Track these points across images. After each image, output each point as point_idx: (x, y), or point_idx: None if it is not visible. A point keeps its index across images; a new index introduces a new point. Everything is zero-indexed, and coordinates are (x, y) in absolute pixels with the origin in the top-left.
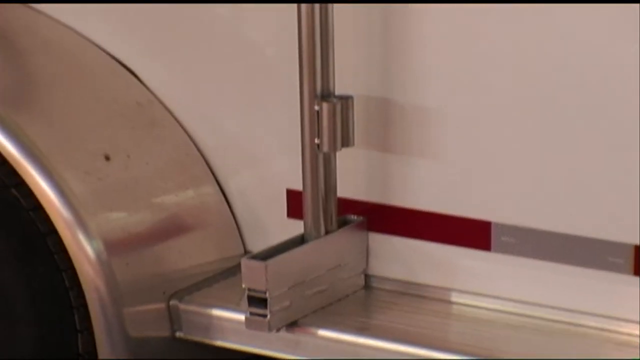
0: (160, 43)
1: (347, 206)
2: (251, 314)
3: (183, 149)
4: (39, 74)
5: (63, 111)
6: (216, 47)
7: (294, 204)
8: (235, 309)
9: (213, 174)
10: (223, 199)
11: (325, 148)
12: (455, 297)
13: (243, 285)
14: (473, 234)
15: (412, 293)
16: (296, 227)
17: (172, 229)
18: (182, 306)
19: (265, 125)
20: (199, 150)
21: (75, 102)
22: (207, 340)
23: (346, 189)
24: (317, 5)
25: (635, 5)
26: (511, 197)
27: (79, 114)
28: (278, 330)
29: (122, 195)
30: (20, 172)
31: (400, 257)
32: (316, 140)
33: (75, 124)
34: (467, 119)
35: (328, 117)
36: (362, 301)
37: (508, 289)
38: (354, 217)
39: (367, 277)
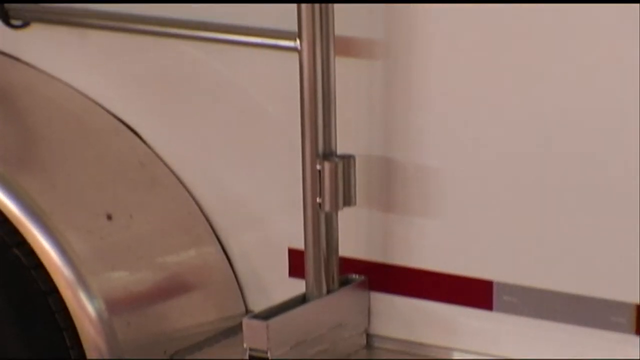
0: (163, 102)
1: (349, 265)
2: None
3: (185, 208)
4: (41, 133)
5: (65, 170)
6: (218, 106)
7: (296, 263)
8: None
9: (215, 233)
10: (225, 257)
11: (327, 207)
12: (457, 357)
13: (244, 345)
14: (475, 293)
15: (414, 352)
16: (298, 286)
17: (173, 288)
18: None
19: (267, 184)
20: (201, 209)
21: (77, 161)
22: None
23: (347, 248)
24: (319, 64)
25: None
26: (513, 256)
27: (82, 173)
28: None
29: (123, 255)
30: (22, 231)
31: (402, 317)
32: (318, 200)
33: (77, 183)
34: (468, 178)
35: (330, 176)
36: None
37: (510, 348)
38: (355, 276)
39: (368, 336)
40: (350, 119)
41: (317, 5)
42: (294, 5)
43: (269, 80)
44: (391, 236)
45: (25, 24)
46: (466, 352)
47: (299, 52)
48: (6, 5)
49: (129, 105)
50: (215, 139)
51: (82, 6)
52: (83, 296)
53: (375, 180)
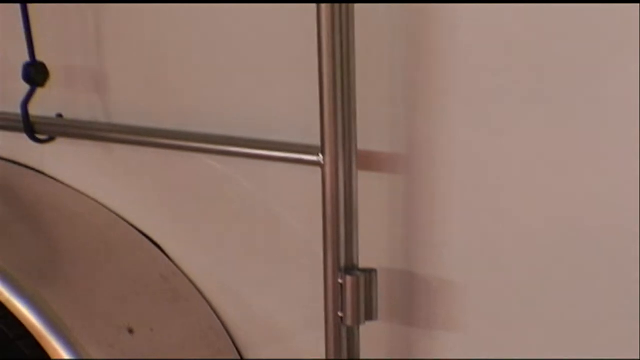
0: (186, 216)
1: None
2: None
3: (207, 322)
4: (65, 246)
5: (88, 284)
6: (241, 219)
7: None
8: None
9: (236, 347)
10: None
11: (348, 322)
12: None
13: None
14: None
15: None
16: None
17: None
18: None
19: (289, 299)
20: (222, 323)
21: (100, 274)
22: None
23: None
24: (341, 177)
25: None
26: None
27: (104, 287)
28: None
29: None
30: (44, 344)
31: None
32: (339, 314)
33: (99, 296)
34: (491, 292)
35: (352, 290)
36: None
37: None
38: None
39: None
40: (372, 232)
41: (340, 121)
42: (317, 120)
43: (291, 193)
44: (414, 351)
45: (50, 139)
46: None
47: (322, 166)
48: (32, 119)
49: (152, 218)
50: (238, 252)
51: (107, 121)
52: None
53: (398, 294)
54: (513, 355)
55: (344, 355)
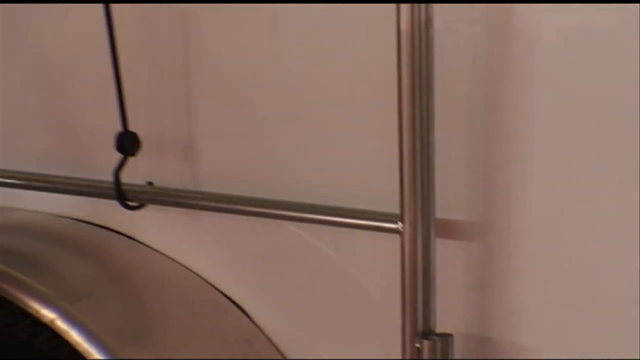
0: (269, 280)
1: None
2: None
3: None
4: (152, 308)
5: (174, 346)
6: (321, 285)
7: None
8: None
9: None
10: None
11: None
12: None
13: None
14: None
15: None
16: None
17: None
18: None
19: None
20: None
21: (184, 336)
22: None
23: None
24: (419, 245)
25: None
26: None
27: (190, 349)
28: None
29: None
30: None
31: None
32: None
33: (183, 357)
34: (565, 357)
35: (429, 354)
36: None
37: None
38: None
39: None
40: (448, 297)
41: (419, 190)
42: (397, 189)
43: (371, 259)
44: None
45: (140, 205)
46: None
47: (401, 233)
48: (123, 186)
49: (236, 282)
50: (318, 316)
51: (195, 188)
52: None
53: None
54: None
55: None
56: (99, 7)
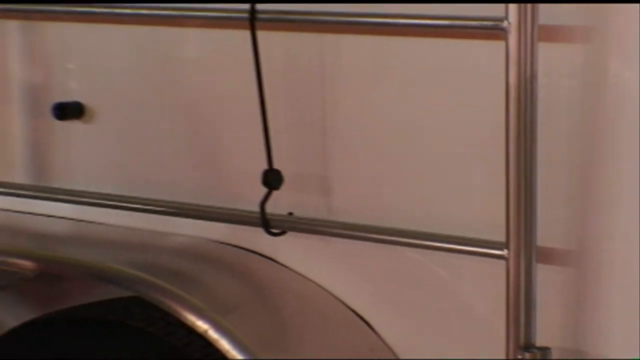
0: (391, 298)
1: None
2: None
3: None
4: (291, 323)
5: (309, 355)
6: (436, 302)
7: None
8: None
9: None
10: None
11: None
12: None
13: None
14: None
15: None
16: None
17: None
18: None
19: None
20: None
21: (319, 348)
22: None
23: None
24: (522, 270)
25: None
26: None
27: (320, 357)
28: None
29: None
30: None
31: None
32: None
33: None
34: None
35: None
36: None
37: None
38: None
39: None
40: (547, 315)
41: (523, 221)
42: (502, 220)
43: (478, 281)
44: None
45: (282, 232)
46: None
47: (507, 259)
48: (268, 216)
49: (362, 300)
50: (432, 330)
51: (329, 218)
52: None
53: None
54: None
55: None
56: (247, 57)
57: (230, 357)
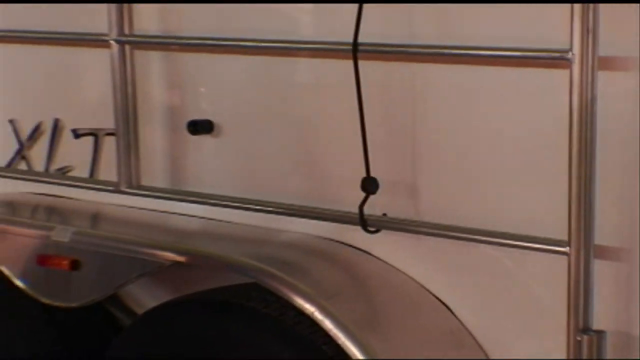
0: (468, 287)
1: None
2: None
3: None
4: (383, 308)
5: (398, 334)
6: (505, 290)
7: None
8: None
9: None
10: None
11: None
12: None
13: None
14: None
15: None
16: None
17: None
18: None
19: (538, 352)
20: None
21: (407, 328)
22: None
23: None
24: (582, 265)
25: None
26: None
27: (410, 336)
28: None
29: None
30: None
31: None
32: None
33: (407, 342)
34: None
35: (587, 346)
36: None
37: None
38: None
39: None
40: (602, 304)
41: (583, 223)
42: (565, 220)
43: (542, 274)
44: None
45: (377, 230)
46: None
47: (569, 255)
48: (365, 217)
49: (445, 288)
50: (503, 313)
51: (418, 219)
52: None
53: (622, 349)
54: None
55: None
56: (349, 81)
57: (332, 335)
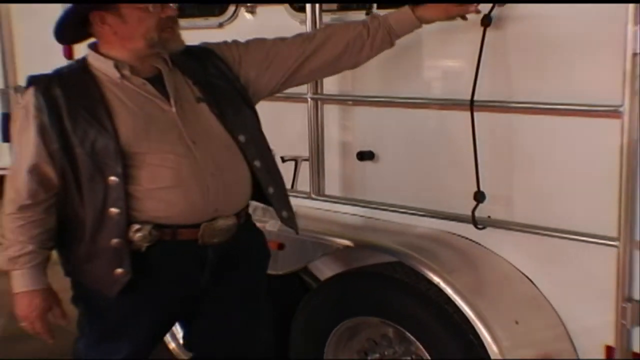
0: (546, 267)
1: None
2: None
3: (554, 323)
4: (489, 281)
5: (496, 299)
6: (570, 273)
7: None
8: None
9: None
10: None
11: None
12: None
13: None
14: None
15: None
16: None
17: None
18: None
19: (595, 312)
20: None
21: (504, 296)
22: None
23: None
24: (627, 258)
25: None
26: None
27: (505, 302)
28: None
29: (522, 344)
30: (477, 329)
31: None
32: (623, 322)
33: (505, 305)
34: None
35: (631, 312)
36: None
37: None
38: None
39: None
40: None
41: (630, 223)
42: (616, 222)
43: (596, 261)
44: None
45: (484, 227)
46: None
47: (617, 248)
48: (476, 218)
49: (530, 269)
50: (570, 287)
51: (514, 220)
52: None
53: None
54: None
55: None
56: (466, 118)
57: (452, 297)
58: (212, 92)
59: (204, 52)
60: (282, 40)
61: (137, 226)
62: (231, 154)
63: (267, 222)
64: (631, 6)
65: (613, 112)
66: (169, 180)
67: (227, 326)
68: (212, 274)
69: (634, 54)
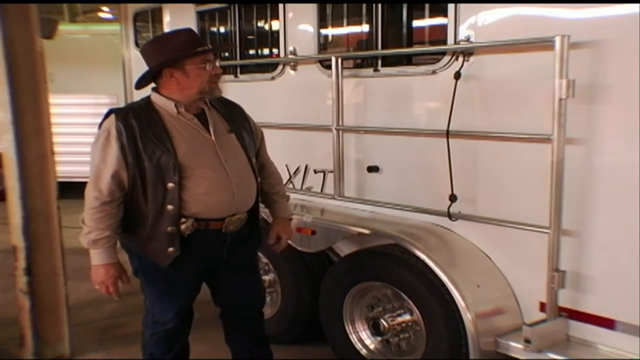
0: (500, 244)
1: None
2: None
3: (502, 287)
4: (458, 257)
5: (465, 270)
6: (517, 247)
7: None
8: None
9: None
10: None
11: None
12: None
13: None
14: None
15: None
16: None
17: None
18: None
19: (531, 278)
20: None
21: (469, 268)
22: None
23: None
24: None
25: None
26: None
27: (469, 271)
28: None
29: (485, 301)
30: (450, 291)
31: None
32: None
33: (471, 275)
34: None
35: (557, 279)
36: None
37: None
38: None
39: None
40: (566, 256)
41: None
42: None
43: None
44: None
45: (456, 219)
46: None
47: None
48: (450, 212)
49: (490, 249)
50: (520, 261)
51: (478, 214)
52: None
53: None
54: None
55: None
56: (443, 143)
57: (433, 268)
58: (237, 127)
59: (234, 104)
60: (265, 152)
61: (183, 219)
62: (248, 170)
63: (304, 215)
64: (557, 64)
65: (546, 139)
66: (208, 188)
67: (239, 284)
68: (229, 250)
69: (560, 99)
